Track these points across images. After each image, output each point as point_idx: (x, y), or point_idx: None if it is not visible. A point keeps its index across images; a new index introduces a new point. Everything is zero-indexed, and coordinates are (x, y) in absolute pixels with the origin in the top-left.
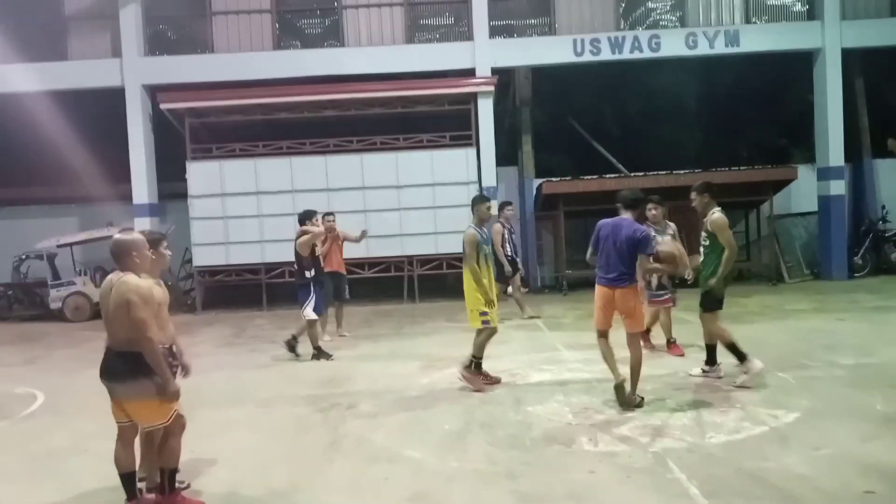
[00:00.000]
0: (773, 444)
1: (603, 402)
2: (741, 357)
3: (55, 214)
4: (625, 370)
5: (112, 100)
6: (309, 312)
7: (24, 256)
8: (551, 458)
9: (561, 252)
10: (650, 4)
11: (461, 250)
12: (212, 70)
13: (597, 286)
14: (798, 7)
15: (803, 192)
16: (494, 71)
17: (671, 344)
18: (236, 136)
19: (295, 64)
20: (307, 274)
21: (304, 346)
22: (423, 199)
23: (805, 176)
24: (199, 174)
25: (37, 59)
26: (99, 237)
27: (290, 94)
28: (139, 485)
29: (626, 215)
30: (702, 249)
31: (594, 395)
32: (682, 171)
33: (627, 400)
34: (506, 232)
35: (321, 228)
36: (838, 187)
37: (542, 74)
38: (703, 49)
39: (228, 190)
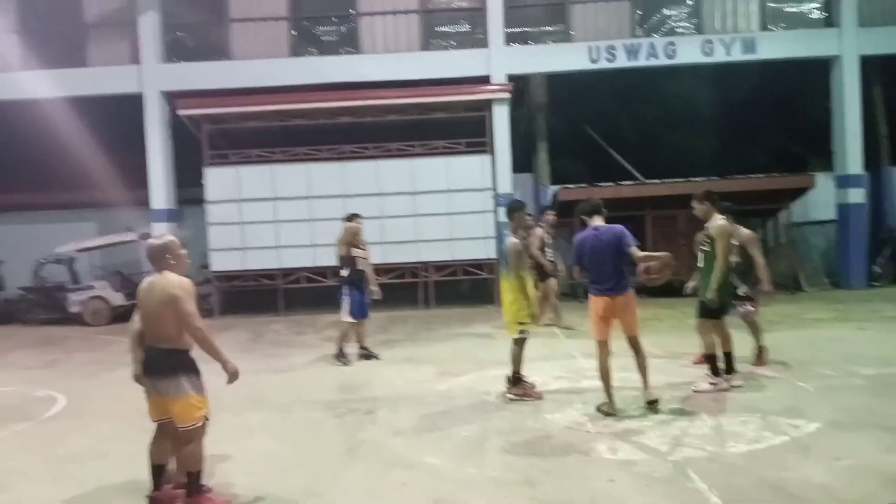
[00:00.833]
0: (793, 454)
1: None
2: (716, 372)
3: (75, 219)
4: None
5: (131, 106)
6: (344, 314)
7: (43, 261)
8: (570, 465)
9: None
10: (666, 11)
11: (476, 257)
12: (229, 77)
13: (594, 298)
14: (816, 14)
15: (822, 200)
16: (510, 78)
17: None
18: (253, 143)
19: (311, 71)
20: (342, 272)
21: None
22: (438, 205)
23: (823, 184)
24: (217, 180)
25: (57, 65)
26: (118, 242)
27: (307, 100)
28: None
29: (597, 222)
30: (700, 255)
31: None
32: (698, 179)
33: (651, 409)
34: (546, 236)
35: (357, 225)
36: (857, 195)
37: (557, 81)
38: (719, 56)
39: (245, 195)
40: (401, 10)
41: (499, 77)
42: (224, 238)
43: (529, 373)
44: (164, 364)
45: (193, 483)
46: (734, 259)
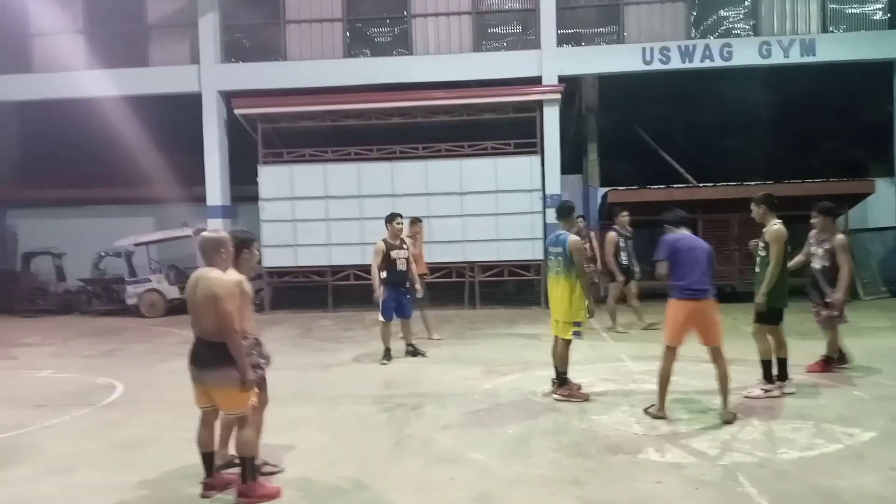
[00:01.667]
0: (847, 462)
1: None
2: (770, 378)
3: (133, 214)
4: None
5: (189, 105)
6: (380, 314)
7: (103, 254)
8: (617, 466)
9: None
10: (723, 13)
11: (522, 258)
12: (284, 77)
13: (678, 302)
14: (878, 16)
15: (882, 206)
16: (561, 79)
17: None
18: (306, 142)
19: (364, 71)
20: (381, 275)
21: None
22: (485, 205)
23: (883, 190)
24: (270, 178)
25: (120, 65)
26: (174, 237)
27: (359, 101)
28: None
29: (684, 231)
30: (758, 259)
31: None
32: (752, 183)
33: (725, 417)
34: (621, 240)
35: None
36: None
37: (608, 83)
38: (777, 58)
39: (298, 194)
40: (453, 11)
41: (550, 78)
42: (276, 235)
43: (576, 374)
44: (208, 356)
45: (246, 469)
46: (824, 264)
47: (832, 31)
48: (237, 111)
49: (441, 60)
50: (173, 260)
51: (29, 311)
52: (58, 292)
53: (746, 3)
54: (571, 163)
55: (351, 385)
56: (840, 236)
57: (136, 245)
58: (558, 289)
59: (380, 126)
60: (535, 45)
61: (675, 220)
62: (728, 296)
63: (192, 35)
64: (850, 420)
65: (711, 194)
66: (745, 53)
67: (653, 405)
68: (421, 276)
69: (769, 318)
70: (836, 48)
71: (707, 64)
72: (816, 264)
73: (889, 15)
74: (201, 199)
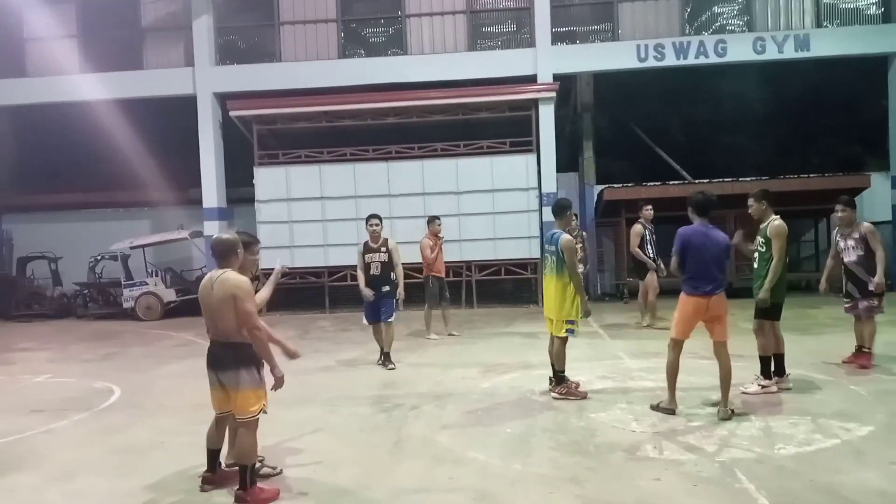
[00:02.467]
0: (846, 457)
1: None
2: (768, 374)
3: (129, 217)
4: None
5: (184, 107)
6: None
7: (99, 257)
8: (616, 464)
9: (622, 259)
10: (717, 9)
11: (519, 256)
12: (279, 78)
13: (688, 297)
14: (873, 10)
15: (878, 201)
16: (556, 77)
17: (861, 352)
18: (302, 143)
19: (359, 72)
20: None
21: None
22: (482, 204)
23: (879, 184)
24: (266, 179)
25: (114, 68)
26: (170, 239)
27: (354, 101)
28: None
29: (702, 221)
30: (757, 255)
31: None
32: (748, 179)
33: (723, 415)
34: (647, 233)
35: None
36: None
37: (604, 80)
38: (771, 54)
39: (294, 195)
40: (448, 10)
41: (545, 76)
42: (273, 236)
43: (574, 373)
44: (225, 358)
45: (245, 476)
46: (858, 254)
47: (826, 26)
48: (232, 113)
49: (436, 60)
50: (170, 263)
51: (25, 315)
52: (54, 297)
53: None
54: (567, 161)
55: (349, 386)
56: (867, 223)
57: (133, 248)
58: (552, 287)
59: (375, 126)
60: (530, 43)
61: (698, 203)
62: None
63: (187, 38)
64: (848, 415)
65: (708, 190)
66: (740, 49)
67: (662, 400)
68: (436, 276)
69: (770, 313)
70: (830, 43)
71: (702, 60)
72: (850, 257)
73: (883, 9)
74: (197, 201)
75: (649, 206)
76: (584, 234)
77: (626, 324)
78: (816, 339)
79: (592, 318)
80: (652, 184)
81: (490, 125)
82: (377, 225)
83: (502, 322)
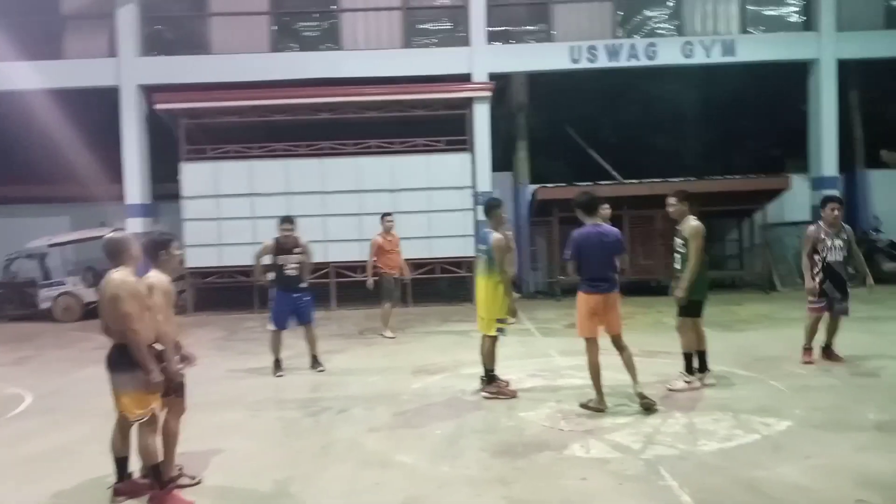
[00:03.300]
0: (765, 452)
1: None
2: (691, 370)
3: (48, 214)
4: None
5: (107, 99)
6: (269, 323)
7: (14, 256)
8: (544, 464)
9: (555, 258)
10: (647, 13)
11: (454, 255)
12: (208, 71)
13: (587, 295)
14: (795, 18)
15: (797, 201)
16: (491, 76)
17: (827, 350)
18: (231, 138)
19: (292, 66)
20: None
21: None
22: (417, 203)
23: (799, 185)
24: (193, 175)
25: (33, 57)
26: (91, 237)
27: (287, 96)
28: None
29: (591, 220)
30: (678, 256)
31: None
32: (675, 179)
33: (646, 404)
34: None
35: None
36: None
37: (538, 80)
38: (699, 58)
39: (222, 191)
40: (383, 6)
41: (480, 75)
42: (200, 234)
43: (505, 371)
44: (112, 358)
45: (155, 476)
46: (843, 255)
47: (751, 33)
48: (158, 106)
49: (371, 56)
50: (91, 261)
51: None
52: None
53: (670, 4)
54: (503, 160)
55: (277, 389)
56: (848, 226)
57: (51, 246)
58: (482, 286)
59: (309, 122)
60: (465, 42)
61: (583, 203)
62: (653, 290)
63: (110, 26)
64: (767, 410)
65: (637, 191)
66: (669, 53)
67: (591, 399)
68: (390, 273)
69: (692, 311)
70: (754, 49)
71: (633, 63)
72: (836, 257)
73: (804, 17)
74: (120, 197)
75: (606, 205)
76: (511, 233)
77: (557, 321)
78: (739, 336)
79: (525, 315)
80: (584, 184)
81: (426, 123)
82: (291, 230)
83: (436, 321)
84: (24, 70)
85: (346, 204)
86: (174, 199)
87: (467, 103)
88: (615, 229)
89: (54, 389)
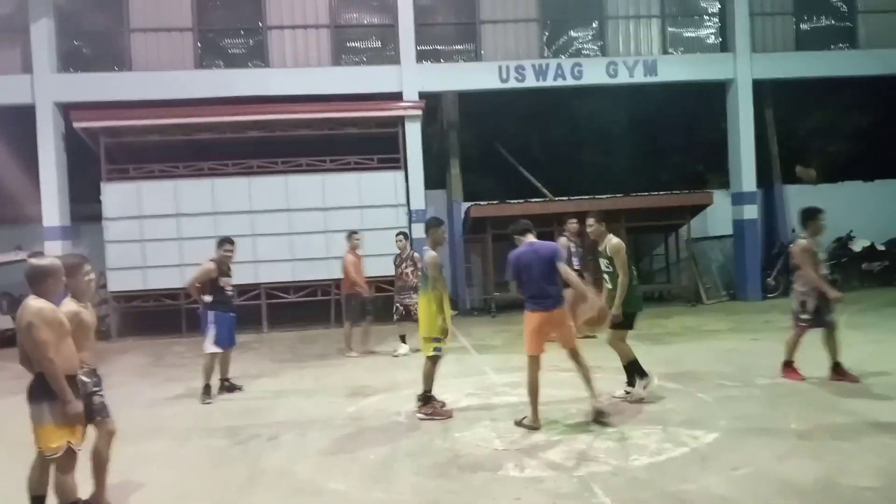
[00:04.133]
0: (693, 465)
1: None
2: (643, 375)
3: None
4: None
5: (22, 117)
6: (209, 345)
7: None
8: (478, 485)
9: (489, 274)
10: (573, 33)
11: (389, 273)
12: (130, 88)
13: (532, 313)
14: (712, 40)
15: (719, 216)
16: (422, 95)
17: (787, 366)
18: (155, 157)
19: (218, 83)
20: (205, 298)
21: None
22: (350, 221)
23: (720, 200)
24: (115, 196)
25: None
26: (6, 261)
27: (213, 114)
28: None
29: (529, 239)
30: (606, 276)
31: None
32: (603, 196)
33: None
34: (572, 245)
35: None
36: (751, 212)
37: (469, 99)
38: (623, 78)
39: (146, 212)
40: (311, 24)
41: (410, 94)
42: (123, 257)
43: (440, 390)
44: (34, 389)
45: None
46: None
47: (672, 53)
48: (76, 124)
49: (300, 73)
50: (6, 287)
51: None
52: None
53: (594, 25)
54: (436, 177)
55: (204, 417)
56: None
57: None
58: (422, 304)
59: (236, 140)
60: (395, 60)
61: (520, 230)
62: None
63: (24, 42)
64: (694, 423)
65: (566, 207)
66: (595, 73)
67: (525, 416)
68: (358, 292)
69: (625, 324)
70: (675, 69)
71: (560, 82)
72: (823, 269)
73: (721, 39)
74: (38, 219)
75: (574, 220)
76: (417, 254)
77: (492, 338)
78: (667, 349)
79: (461, 332)
80: (515, 201)
81: (357, 141)
82: (233, 251)
83: (373, 342)
84: None
85: (276, 223)
86: (95, 220)
87: (399, 121)
88: (551, 243)
89: None
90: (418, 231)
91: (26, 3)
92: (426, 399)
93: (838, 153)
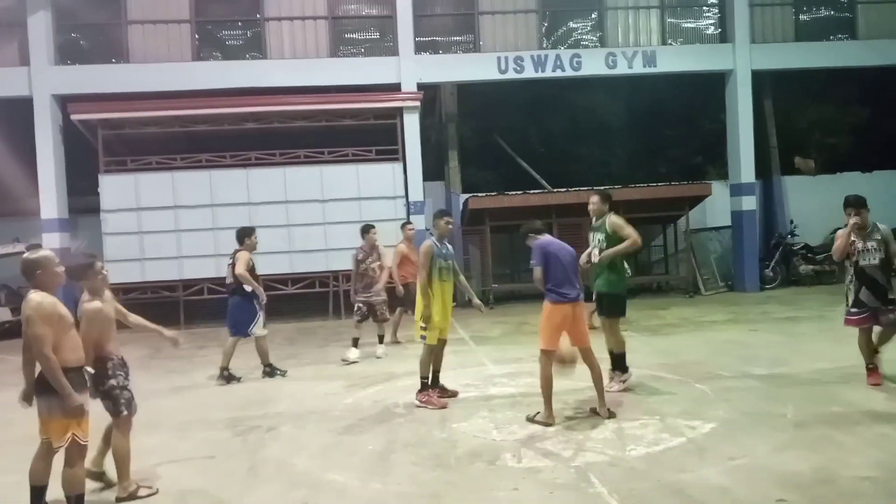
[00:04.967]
0: (691, 455)
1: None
2: (625, 368)
3: None
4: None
5: (20, 110)
6: (259, 328)
7: None
8: (475, 476)
9: (487, 266)
10: (572, 24)
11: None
12: (127, 80)
13: (555, 305)
14: (711, 30)
15: (718, 207)
16: (420, 86)
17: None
18: (153, 149)
19: (215, 75)
20: (246, 288)
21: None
22: (348, 213)
23: (719, 192)
24: (113, 188)
25: None
26: (4, 254)
27: (210, 105)
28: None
29: (547, 237)
30: (596, 251)
31: (519, 409)
32: (602, 188)
33: (606, 415)
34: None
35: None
36: (750, 203)
37: (467, 91)
38: (622, 69)
39: (144, 204)
40: (308, 15)
41: (409, 85)
42: (121, 249)
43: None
44: (40, 382)
45: None
46: (880, 256)
47: (671, 44)
48: (74, 117)
49: (297, 65)
50: (4, 280)
51: None
52: None
53: (593, 16)
54: (434, 169)
55: (203, 409)
56: (883, 226)
57: None
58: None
59: (234, 132)
60: (394, 51)
61: (536, 229)
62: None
63: (22, 35)
64: (692, 413)
65: (565, 199)
66: (593, 64)
67: (538, 412)
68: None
69: (615, 309)
70: (674, 60)
71: (559, 73)
72: (871, 260)
73: (720, 30)
74: (36, 212)
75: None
76: (382, 250)
77: (490, 329)
78: (665, 340)
79: (459, 324)
80: (514, 193)
81: (355, 133)
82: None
83: (370, 333)
84: None
85: (274, 215)
86: (93, 212)
87: (397, 113)
88: (570, 247)
89: None
90: (417, 223)
91: None
92: (423, 385)
93: (837, 144)
